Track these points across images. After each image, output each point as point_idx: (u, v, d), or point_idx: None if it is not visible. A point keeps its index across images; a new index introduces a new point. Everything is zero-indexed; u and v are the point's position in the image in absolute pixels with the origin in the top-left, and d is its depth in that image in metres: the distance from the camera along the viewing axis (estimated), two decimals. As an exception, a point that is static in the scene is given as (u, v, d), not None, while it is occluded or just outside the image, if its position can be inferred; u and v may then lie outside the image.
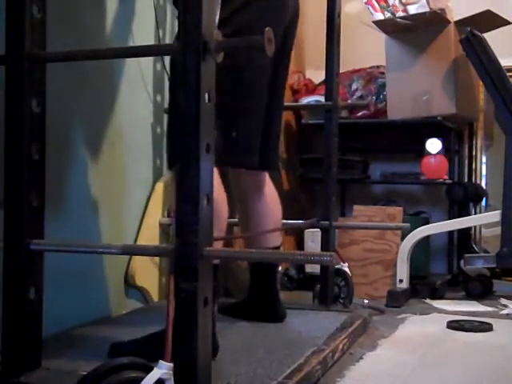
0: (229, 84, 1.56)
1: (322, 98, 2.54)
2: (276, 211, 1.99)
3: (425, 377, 1.63)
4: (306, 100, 3.22)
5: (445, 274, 3.21)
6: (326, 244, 2.30)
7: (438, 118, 2.93)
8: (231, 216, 2.26)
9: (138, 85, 2.23)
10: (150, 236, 2.23)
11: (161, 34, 2.33)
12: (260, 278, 1.97)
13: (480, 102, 3.23)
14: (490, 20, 2.81)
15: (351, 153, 3.36)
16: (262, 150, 1.79)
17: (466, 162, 3.34)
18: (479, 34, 2.64)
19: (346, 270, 2.37)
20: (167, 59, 2.35)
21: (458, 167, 3.31)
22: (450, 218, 3.10)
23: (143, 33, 2.23)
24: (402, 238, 2.73)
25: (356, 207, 2.95)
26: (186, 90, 1.11)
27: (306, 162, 3.27)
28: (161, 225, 2.29)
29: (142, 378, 1.06)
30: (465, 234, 3.18)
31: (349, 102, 3.18)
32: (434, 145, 3.02)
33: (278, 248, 2.01)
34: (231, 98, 1.59)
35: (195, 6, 1.10)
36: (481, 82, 2.90)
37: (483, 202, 3.27)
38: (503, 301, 2.73)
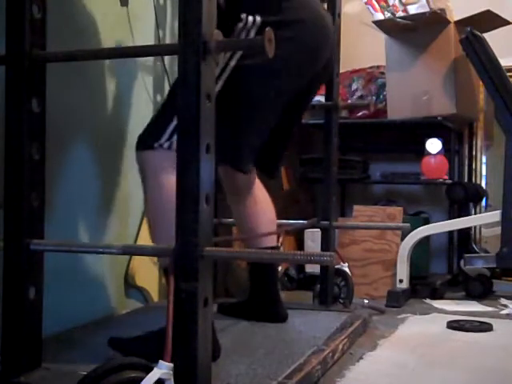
0: (240, 98, 1.55)
1: (322, 98, 2.54)
2: (269, 210, 1.99)
3: (425, 377, 1.63)
4: (306, 100, 3.22)
5: (445, 273, 3.21)
6: (326, 244, 2.30)
7: (438, 118, 2.93)
8: (228, 216, 2.26)
9: (138, 85, 2.23)
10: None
11: (161, 34, 2.33)
12: (260, 280, 1.97)
13: (480, 102, 3.23)
14: (490, 20, 2.81)
15: (351, 153, 3.35)
16: (264, 156, 1.80)
17: (466, 162, 3.34)
18: (479, 34, 2.64)
19: (346, 270, 2.37)
20: (167, 59, 2.36)
21: (458, 167, 3.31)
22: (450, 218, 3.10)
23: (143, 33, 2.23)
24: (402, 238, 2.73)
25: (356, 207, 2.95)
26: (185, 90, 1.11)
27: (306, 161, 3.27)
28: (161, 225, 2.28)
29: (142, 378, 1.06)
30: (465, 234, 3.18)
31: (349, 102, 3.18)
32: (433, 145, 3.02)
33: (274, 248, 2.01)
34: (239, 109, 1.58)
35: (195, 6, 1.10)
36: (481, 82, 2.91)
37: (483, 202, 3.27)
38: (503, 301, 2.73)
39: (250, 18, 1.50)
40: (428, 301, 2.73)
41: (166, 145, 1.50)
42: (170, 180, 1.46)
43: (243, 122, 1.60)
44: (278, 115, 1.70)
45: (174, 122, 1.48)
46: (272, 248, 1.96)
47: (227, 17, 1.45)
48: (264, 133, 1.69)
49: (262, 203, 1.96)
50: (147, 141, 1.53)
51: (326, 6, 2.28)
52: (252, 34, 1.51)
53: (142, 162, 1.56)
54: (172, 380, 1.08)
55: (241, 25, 1.50)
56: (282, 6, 1.56)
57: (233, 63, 1.50)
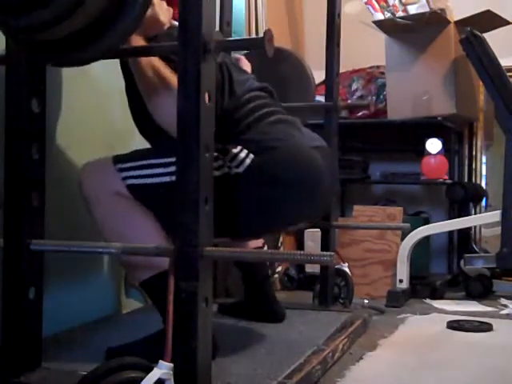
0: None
1: (322, 98, 2.54)
2: None
3: (425, 377, 1.63)
4: (306, 100, 3.21)
5: (445, 273, 3.21)
6: (326, 244, 2.30)
7: (438, 118, 2.93)
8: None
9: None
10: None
11: (161, 34, 2.32)
12: (252, 283, 1.97)
13: (480, 102, 3.23)
14: (490, 20, 2.81)
15: (351, 153, 3.35)
16: None
17: (466, 162, 3.34)
18: (479, 34, 2.64)
19: (346, 270, 2.37)
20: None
21: (458, 167, 3.31)
22: (449, 218, 3.10)
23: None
24: (402, 238, 2.73)
25: (356, 207, 2.95)
26: (185, 90, 1.11)
27: (306, 161, 3.27)
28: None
29: (142, 378, 1.06)
30: (465, 233, 3.18)
31: (349, 102, 3.18)
32: (433, 145, 3.02)
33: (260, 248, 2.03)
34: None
35: (195, 6, 1.10)
36: (481, 82, 2.91)
37: (483, 202, 3.27)
38: (503, 301, 2.73)
39: (244, 152, 1.45)
40: (428, 301, 2.73)
41: (124, 174, 1.48)
42: (114, 198, 1.47)
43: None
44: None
45: (146, 163, 1.47)
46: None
47: (223, 131, 1.37)
48: None
49: None
50: (116, 160, 1.51)
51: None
52: (242, 168, 1.44)
53: (88, 178, 1.53)
54: (172, 380, 1.08)
55: (235, 151, 1.45)
56: (272, 147, 1.50)
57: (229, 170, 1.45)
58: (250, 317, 1.93)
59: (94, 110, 1.98)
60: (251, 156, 1.45)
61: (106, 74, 2.02)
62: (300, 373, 1.43)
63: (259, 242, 2.01)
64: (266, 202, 1.49)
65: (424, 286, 2.84)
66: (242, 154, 1.45)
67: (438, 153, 3.02)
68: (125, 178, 1.48)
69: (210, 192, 1.13)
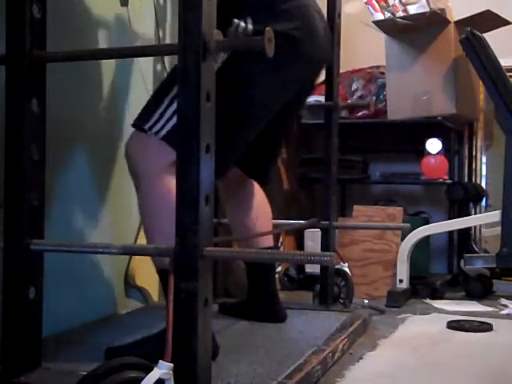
0: (228, 96, 1.47)
1: (322, 98, 2.54)
2: (263, 214, 2.00)
3: (425, 377, 1.63)
4: (306, 100, 3.21)
5: (445, 273, 3.21)
6: (326, 244, 2.30)
7: (438, 118, 2.93)
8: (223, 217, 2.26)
9: (138, 85, 2.23)
10: (150, 236, 2.23)
11: (161, 34, 2.33)
12: (257, 280, 1.97)
13: (480, 102, 3.23)
14: (490, 20, 2.81)
15: (351, 153, 3.36)
16: (252, 163, 1.81)
17: (466, 161, 3.34)
18: (479, 34, 2.64)
19: (346, 270, 2.37)
20: (167, 59, 2.36)
21: (458, 167, 3.31)
22: (450, 218, 3.10)
23: (143, 33, 2.23)
24: (402, 238, 2.73)
25: (356, 207, 2.95)
26: (185, 90, 1.11)
27: (306, 161, 3.27)
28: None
29: (142, 378, 1.06)
30: (465, 234, 3.18)
31: (349, 102, 3.18)
32: (433, 145, 3.02)
33: (272, 248, 2.01)
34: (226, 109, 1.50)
35: (195, 5, 1.10)
36: (481, 82, 2.91)
37: (483, 202, 3.27)
38: (503, 301, 2.73)
39: (242, 24, 1.44)
40: (428, 301, 2.73)
41: (155, 128, 1.46)
42: (164, 179, 1.45)
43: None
44: (259, 126, 1.64)
45: (164, 105, 1.46)
46: (270, 248, 1.97)
47: (220, 17, 1.42)
48: (240, 144, 1.62)
49: (255, 209, 1.96)
50: (138, 124, 1.50)
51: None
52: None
53: (133, 155, 1.51)
54: (172, 380, 1.08)
55: (232, 29, 1.43)
56: (277, 12, 1.54)
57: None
58: (251, 317, 1.92)
59: (93, 108, 1.98)
60: (250, 25, 1.43)
61: (106, 72, 2.02)
62: (300, 373, 1.43)
63: (271, 241, 2.01)
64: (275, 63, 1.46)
65: (424, 286, 2.84)
66: (241, 25, 1.43)
67: (437, 153, 3.02)
68: (157, 132, 1.45)
69: (210, 191, 1.13)
